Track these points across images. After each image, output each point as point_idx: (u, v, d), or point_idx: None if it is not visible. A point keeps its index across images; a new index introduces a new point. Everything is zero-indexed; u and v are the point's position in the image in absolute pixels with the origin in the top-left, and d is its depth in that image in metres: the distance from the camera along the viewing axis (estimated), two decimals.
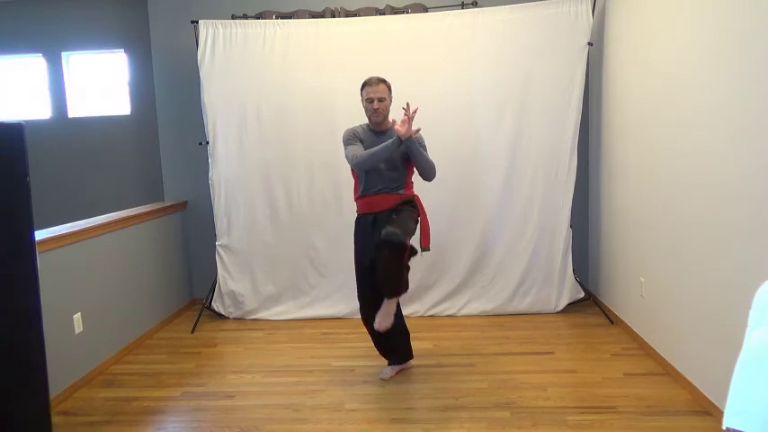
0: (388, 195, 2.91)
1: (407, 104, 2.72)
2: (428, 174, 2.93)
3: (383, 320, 2.79)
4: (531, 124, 4.01)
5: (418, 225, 2.94)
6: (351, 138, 2.95)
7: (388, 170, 2.89)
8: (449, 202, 4.01)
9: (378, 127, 2.95)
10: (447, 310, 4.13)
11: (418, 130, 2.78)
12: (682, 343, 2.90)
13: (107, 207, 4.36)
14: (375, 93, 2.87)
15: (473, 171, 4.08)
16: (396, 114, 2.94)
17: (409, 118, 2.71)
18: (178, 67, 4.48)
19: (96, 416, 2.80)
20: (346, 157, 2.90)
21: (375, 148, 2.80)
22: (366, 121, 3.01)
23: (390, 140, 2.75)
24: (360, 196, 2.98)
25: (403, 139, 2.71)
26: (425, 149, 2.95)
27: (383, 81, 2.91)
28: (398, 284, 2.77)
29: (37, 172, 3.91)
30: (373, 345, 3.16)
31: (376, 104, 2.87)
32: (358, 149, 2.87)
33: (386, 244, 2.64)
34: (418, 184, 3.05)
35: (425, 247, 2.95)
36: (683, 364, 2.89)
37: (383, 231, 2.68)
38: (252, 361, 3.43)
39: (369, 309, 2.95)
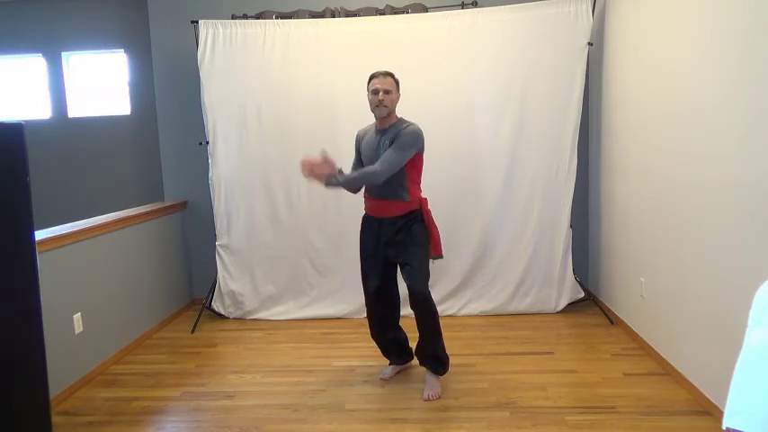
0: (392, 202, 2.83)
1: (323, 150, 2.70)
2: (370, 184, 2.85)
3: (431, 391, 2.85)
4: (531, 124, 4.00)
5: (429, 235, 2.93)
6: (356, 145, 3.03)
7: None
8: (448, 202, 3.99)
9: (381, 124, 2.86)
10: (447, 310, 4.13)
11: (333, 173, 2.70)
12: (682, 343, 2.90)
13: (107, 207, 4.36)
14: (381, 84, 2.77)
15: (473, 171, 4.07)
16: (401, 111, 2.92)
17: (311, 165, 2.65)
18: (178, 67, 4.48)
19: (96, 416, 2.80)
20: None
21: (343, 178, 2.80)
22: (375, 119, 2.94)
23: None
24: (366, 195, 2.96)
25: (325, 184, 2.70)
26: (404, 148, 2.73)
27: (391, 74, 2.84)
28: (443, 359, 2.91)
29: (37, 172, 3.90)
30: (374, 343, 3.15)
31: (381, 96, 2.75)
32: (351, 164, 3.02)
33: (417, 306, 2.76)
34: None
35: (437, 256, 2.93)
36: (683, 364, 2.89)
37: (409, 289, 2.75)
38: (252, 361, 3.43)
39: (373, 301, 3.00)
